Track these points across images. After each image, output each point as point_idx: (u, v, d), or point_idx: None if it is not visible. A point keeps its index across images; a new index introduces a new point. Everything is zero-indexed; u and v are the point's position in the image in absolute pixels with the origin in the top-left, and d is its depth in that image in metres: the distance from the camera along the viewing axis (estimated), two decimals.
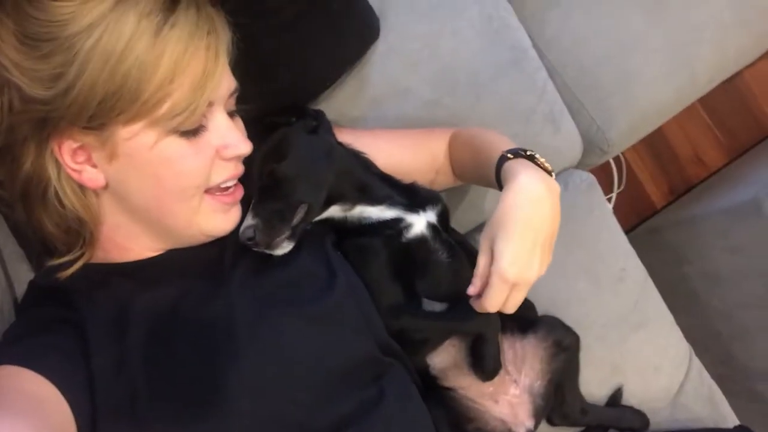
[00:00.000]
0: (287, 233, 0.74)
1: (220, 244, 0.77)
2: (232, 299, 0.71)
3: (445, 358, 0.83)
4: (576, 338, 0.96)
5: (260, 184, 0.77)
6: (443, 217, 0.85)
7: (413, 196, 0.84)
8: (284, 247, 0.75)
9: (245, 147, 0.72)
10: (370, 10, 0.97)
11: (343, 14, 0.92)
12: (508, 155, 0.74)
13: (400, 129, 0.96)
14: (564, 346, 0.93)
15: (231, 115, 0.73)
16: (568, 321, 0.96)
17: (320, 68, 0.93)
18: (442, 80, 1.03)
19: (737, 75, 1.37)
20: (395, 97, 1.01)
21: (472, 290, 0.71)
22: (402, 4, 1.02)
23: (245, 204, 0.77)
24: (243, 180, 0.79)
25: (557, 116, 1.11)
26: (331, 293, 0.74)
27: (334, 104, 0.98)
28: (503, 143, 0.80)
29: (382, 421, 0.70)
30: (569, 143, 1.14)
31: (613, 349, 1.03)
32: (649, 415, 1.03)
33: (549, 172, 0.74)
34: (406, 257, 0.80)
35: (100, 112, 0.63)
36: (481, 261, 0.70)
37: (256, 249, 0.74)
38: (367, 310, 0.77)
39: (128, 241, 0.74)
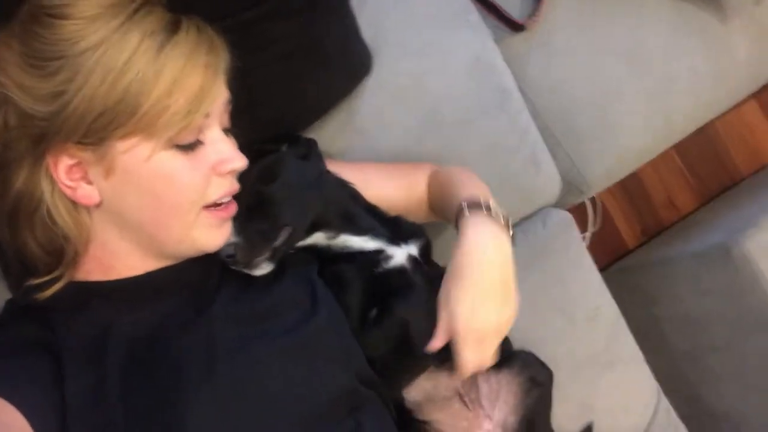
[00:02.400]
0: (267, 254, 0.74)
1: (202, 267, 0.76)
2: (212, 327, 0.70)
3: (420, 392, 0.84)
4: (550, 374, 0.97)
5: (247, 203, 0.77)
6: (425, 251, 0.87)
7: (396, 229, 0.85)
8: (263, 268, 0.75)
9: (241, 162, 0.72)
10: (363, 45, 0.99)
11: (338, 49, 0.94)
12: (464, 207, 0.77)
13: (387, 162, 0.98)
14: (538, 382, 0.94)
15: (226, 132, 0.74)
16: (543, 357, 0.97)
17: (311, 100, 0.95)
18: (429, 116, 1.06)
19: (709, 124, 1.42)
20: (382, 131, 1.03)
21: (434, 344, 0.74)
22: (393, 40, 1.05)
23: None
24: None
25: (538, 156, 1.15)
26: (312, 323, 0.73)
27: (322, 134, 0.99)
28: (469, 187, 0.83)
29: None
30: (549, 183, 1.17)
31: (585, 387, 1.06)
32: None
33: (506, 221, 0.78)
34: (382, 287, 0.81)
35: (98, 126, 0.63)
36: (442, 320, 0.74)
37: (234, 267, 0.74)
38: (347, 341, 0.76)
39: (113, 259, 0.72)
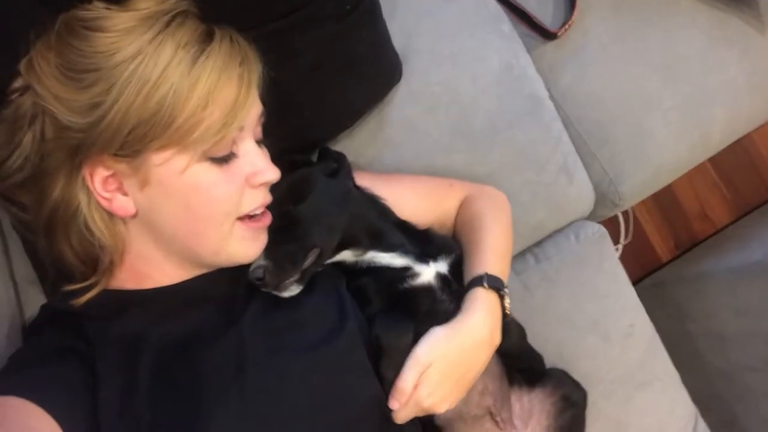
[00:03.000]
0: (296, 276, 0.74)
1: (233, 277, 0.76)
2: (243, 338, 0.70)
3: (450, 410, 0.82)
4: (584, 394, 0.94)
5: (275, 224, 0.77)
6: (456, 266, 0.85)
7: (426, 245, 0.84)
8: (292, 290, 0.74)
9: (273, 174, 0.72)
10: (394, 53, 0.98)
11: (369, 58, 0.93)
12: (484, 284, 0.79)
13: (420, 176, 0.96)
14: (572, 402, 0.92)
15: (258, 143, 0.74)
16: (576, 375, 0.95)
17: (342, 109, 0.94)
18: (460, 125, 1.04)
19: (745, 135, 1.38)
20: (413, 140, 1.02)
21: (393, 405, 0.73)
22: (425, 48, 1.04)
23: None
24: None
25: (571, 167, 1.12)
26: (341, 336, 0.73)
27: (352, 143, 0.98)
28: (492, 247, 0.85)
29: None
30: (582, 194, 1.14)
31: (619, 407, 1.03)
32: None
33: (507, 313, 0.81)
34: (407, 304, 0.79)
35: (134, 138, 0.64)
36: (408, 377, 0.72)
37: (264, 290, 0.73)
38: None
39: (148, 269, 0.73)
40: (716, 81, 1.25)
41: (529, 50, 1.16)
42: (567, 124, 1.17)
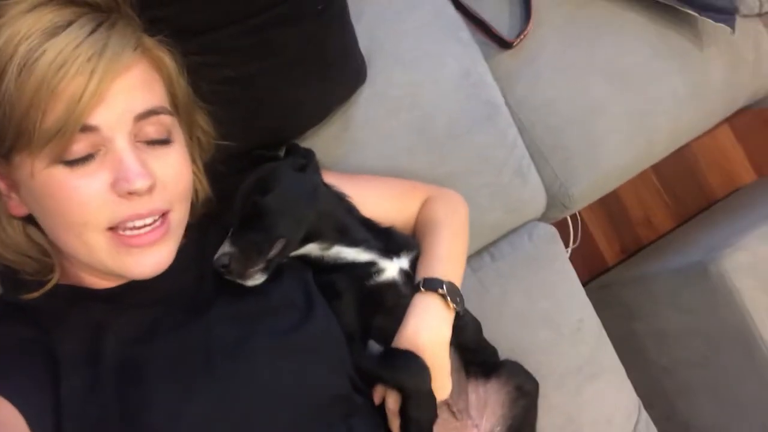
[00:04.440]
0: (261, 265, 0.75)
1: (198, 270, 0.77)
2: (210, 327, 0.71)
3: None
4: (536, 384, 0.98)
5: (242, 213, 0.78)
6: (416, 262, 0.87)
7: (389, 242, 0.87)
8: (256, 279, 0.75)
9: (142, 182, 0.63)
10: (360, 55, 1.01)
11: (339, 58, 0.95)
12: (421, 288, 0.81)
13: (385, 177, 0.98)
14: (525, 392, 0.95)
15: (154, 143, 0.67)
16: (529, 368, 0.98)
17: (310, 109, 0.96)
18: (422, 128, 1.07)
19: (685, 147, 1.46)
20: (377, 141, 1.05)
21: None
22: (388, 52, 1.07)
23: (225, 235, 0.77)
24: (224, 208, 0.80)
25: (525, 170, 1.17)
26: (309, 325, 0.74)
27: (317, 142, 1.00)
28: (440, 256, 0.86)
29: None
30: (534, 196, 1.19)
31: (569, 398, 1.07)
32: None
33: (458, 301, 0.82)
34: (374, 299, 0.82)
35: None
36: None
37: (228, 277, 0.74)
38: (341, 347, 0.77)
39: (83, 272, 0.72)
40: (660, 91, 1.32)
41: (486, 58, 1.20)
42: (522, 129, 1.22)
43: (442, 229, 0.90)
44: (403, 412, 0.75)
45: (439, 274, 0.82)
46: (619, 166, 1.30)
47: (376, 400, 0.78)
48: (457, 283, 0.84)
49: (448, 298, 0.79)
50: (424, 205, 0.96)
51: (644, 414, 1.15)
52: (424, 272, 0.83)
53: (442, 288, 0.80)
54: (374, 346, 0.81)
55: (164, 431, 0.63)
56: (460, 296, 0.83)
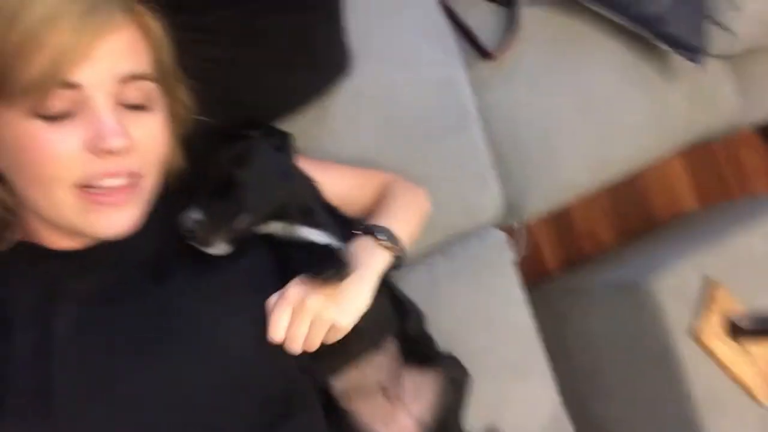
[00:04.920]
0: (225, 236, 0.76)
1: (162, 240, 0.76)
2: (169, 297, 0.71)
3: (347, 382, 0.88)
4: (469, 378, 1.03)
5: (215, 183, 0.78)
6: None
7: (348, 228, 0.88)
8: (219, 248, 0.75)
9: (120, 141, 0.62)
10: (347, 49, 1.03)
11: (323, 48, 0.97)
12: (359, 231, 0.84)
13: (353, 167, 1.01)
14: (457, 384, 1.00)
15: (134, 108, 0.66)
16: (464, 363, 1.03)
17: (290, 95, 0.97)
18: (397, 127, 1.11)
19: (639, 173, 1.55)
20: (352, 134, 1.08)
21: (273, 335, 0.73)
22: (374, 50, 1.09)
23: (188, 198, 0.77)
24: (197, 176, 0.79)
25: (487, 177, 1.22)
26: (264, 300, 0.75)
27: (293, 127, 1.00)
28: (387, 216, 0.88)
29: None
30: (492, 203, 1.24)
31: (498, 394, 1.14)
32: None
33: (397, 250, 0.84)
34: None
35: None
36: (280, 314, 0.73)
37: (191, 242, 0.74)
38: None
39: (46, 231, 0.70)
40: (621, 116, 1.39)
41: (466, 66, 1.24)
42: (489, 138, 1.27)
43: (395, 198, 0.93)
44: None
45: (380, 223, 0.85)
46: (573, 183, 1.37)
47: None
48: (404, 237, 0.85)
49: (385, 239, 0.82)
50: (384, 185, 0.99)
51: (563, 414, 1.24)
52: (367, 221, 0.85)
53: (376, 234, 0.82)
54: None
55: (108, 400, 0.64)
56: (400, 244, 0.84)
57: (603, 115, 1.38)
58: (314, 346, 0.74)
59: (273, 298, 0.73)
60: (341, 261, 0.76)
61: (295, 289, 0.73)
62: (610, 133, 1.39)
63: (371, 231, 0.83)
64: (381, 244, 0.83)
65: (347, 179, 0.98)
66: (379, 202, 0.94)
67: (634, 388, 1.45)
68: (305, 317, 0.72)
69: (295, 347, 0.72)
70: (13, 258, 0.70)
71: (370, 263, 0.80)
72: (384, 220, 0.87)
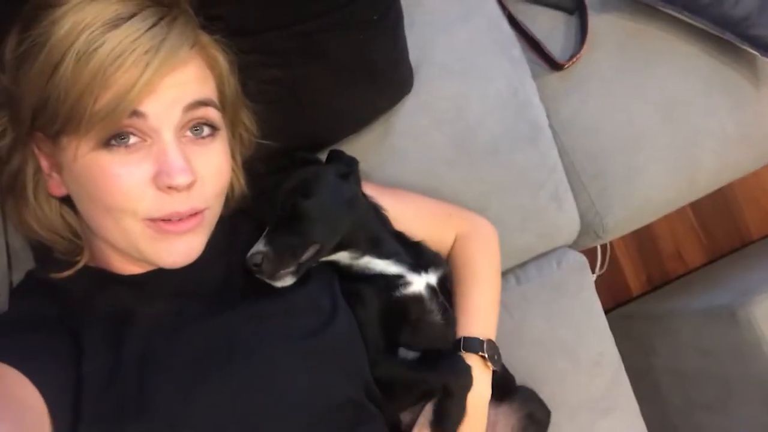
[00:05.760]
0: (293, 268, 0.76)
1: (226, 264, 0.77)
2: (234, 324, 0.71)
3: (416, 417, 0.83)
4: (548, 414, 0.97)
5: (280, 213, 0.78)
6: (444, 280, 0.88)
7: (419, 257, 0.87)
8: (286, 281, 0.76)
9: (180, 178, 0.63)
10: (409, 65, 1.00)
11: (387, 67, 0.95)
12: (462, 349, 0.84)
13: (422, 197, 0.97)
14: (535, 420, 0.95)
15: (198, 138, 0.68)
16: (543, 395, 0.98)
17: (353, 113, 0.96)
18: (464, 142, 1.07)
19: (727, 184, 1.43)
20: (417, 150, 1.04)
21: None
22: (437, 63, 1.06)
23: (256, 233, 0.78)
24: (263, 206, 0.80)
25: (562, 195, 1.16)
26: (329, 330, 0.75)
27: (357, 147, 1.00)
28: (476, 307, 0.88)
29: None
30: (568, 223, 1.18)
31: (581, 431, 1.06)
32: None
33: (495, 358, 0.85)
34: (399, 311, 0.82)
35: (42, 121, 0.63)
36: None
37: (258, 276, 0.75)
38: (360, 355, 0.78)
39: (113, 257, 0.73)
40: (708, 126, 1.29)
41: (534, 77, 1.19)
42: (562, 153, 1.20)
43: (479, 277, 0.92)
44: (439, 411, 0.79)
45: (478, 330, 0.85)
46: (657, 200, 1.27)
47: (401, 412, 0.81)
48: (493, 333, 0.88)
49: (488, 360, 0.83)
50: (460, 241, 0.96)
51: None
52: (462, 329, 0.86)
53: (482, 350, 0.83)
54: (406, 353, 0.82)
55: (176, 424, 0.64)
56: (498, 354, 0.86)
57: (687, 124, 1.28)
58: None
59: None
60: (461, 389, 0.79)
61: None
62: (696, 144, 1.28)
63: (476, 348, 0.84)
64: (488, 367, 0.84)
65: (417, 210, 0.95)
66: (462, 276, 0.92)
67: (731, 427, 1.32)
68: None
69: None
70: (80, 284, 0.71)
71: (480, 390, 0.82)
72: (478, 325, 0.87)
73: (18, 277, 0.77)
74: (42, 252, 0.77)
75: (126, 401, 0.64)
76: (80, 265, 0.71)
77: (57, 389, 0.61)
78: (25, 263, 0.78)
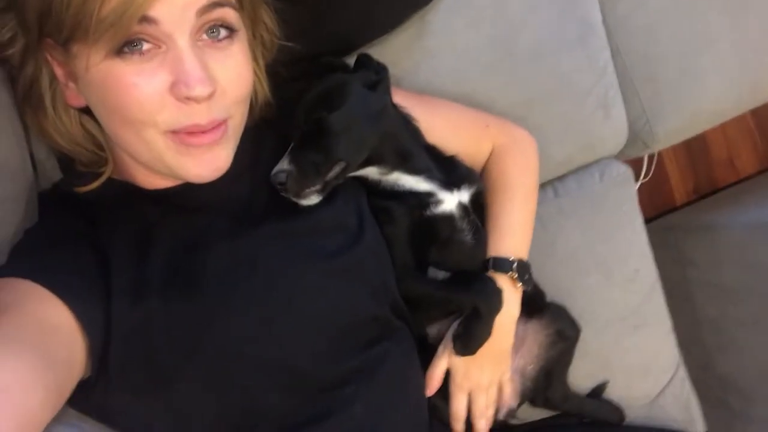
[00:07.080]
0: (318, 186, 0.74)
1: (251, 180, 0.75)
2: (260, 241, 0.70)
3: (443, 330, 0.85)
4: (578, 331, 0.98)
5: (304, 129, 0.75)
6: (477, 197, 0.85)
7: (452, 172, 0.83)
8: (312, 200, 0.74)
9: (198, 88, 0.60)
10: None
11: None
12: (490, 266, 0.83)
13: (456, 105, 0.91)
14: (564, 336, 0.96)
15: (216, 41, 0.63)
16: (573, 311, 0.98)
17: (383, 14, 0.88)
18: (504, 44, 0.98)
19: None
20: (452, 53, 0.96)
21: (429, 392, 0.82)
22: None
23: (281, 145, 0.75)
24: (285, 120, 0.76)
25: (610, 102, 1.08)
26: (356, 248, 0.74)
27: (387, 50, 0.92)
28: (509, 225, 0.87)
29: (382, 382, 0.72)
30: (615, 132, 1.11)
31: (608, 346, 1.05)
32: (626, 411, 1.05)
33: (526, 277, 0.85)
34: (429, 230, 0.80)
35: (50, 27, 0.59)
36: (439, 367, 0.82)
37: (283, 194, 0.73)
38: (387, 272, 0.77)
39: (137, 170, 0.71)
40: None
41: None
42: (615, 54, 1.11)
43: (514, 192, 0.89)
44: (466, 329, 0.80)
45: (510, 250, 0.84)
46: (714, 108, 1.18)
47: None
48: (526, 252, 0.87)
49: (518, 281, 0.83)
50: (497, 153, 0.92)
51: (681, 371, 1.13)
52: (493, 247, 0.84)
53: (513, 269, 0.82)
54: (436, 272, 0.82)
55: (203, 341, 0.65)
56: (530, 274, 0.85)
57: (756, 22, 1.15)
58: (492, 412, 0.87)
59: (436, 372, 0.82)
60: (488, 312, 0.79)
61: (459, 371, 0.83)
62: (763, 46, 1.16)
63: (506, 268, 0.83)
64: (517, 288, 0.84)
65: (451, 120, 0.90)
66: (496, 190, 0.89)
67: (765, 343, 1.29)
68: (480, 397, 0.84)
69: (483, 424, 0.85)
70: (104, 197, 0.70)
71: (508, 310, 0.82)
72: (510, 244, 0.85)
73: (44, 187, 0.76)
74: (65, 165, 0.75)
75: (153, 316, 0.64)
76: (104, 177, 0.70)
77: (87, 304, 0.61)
78: (52, 173, 0.77)
